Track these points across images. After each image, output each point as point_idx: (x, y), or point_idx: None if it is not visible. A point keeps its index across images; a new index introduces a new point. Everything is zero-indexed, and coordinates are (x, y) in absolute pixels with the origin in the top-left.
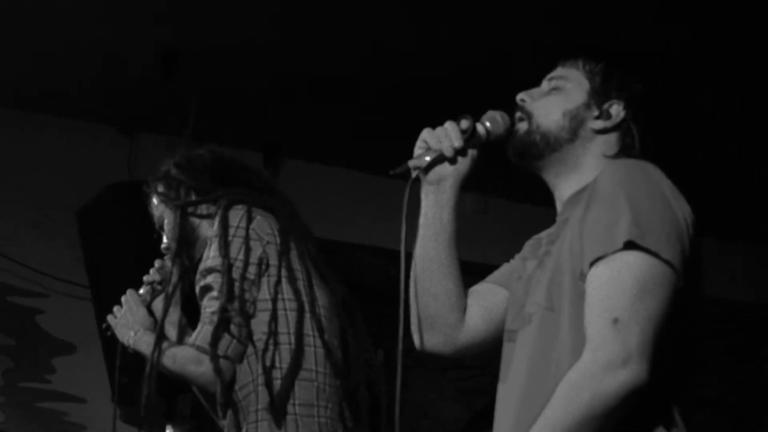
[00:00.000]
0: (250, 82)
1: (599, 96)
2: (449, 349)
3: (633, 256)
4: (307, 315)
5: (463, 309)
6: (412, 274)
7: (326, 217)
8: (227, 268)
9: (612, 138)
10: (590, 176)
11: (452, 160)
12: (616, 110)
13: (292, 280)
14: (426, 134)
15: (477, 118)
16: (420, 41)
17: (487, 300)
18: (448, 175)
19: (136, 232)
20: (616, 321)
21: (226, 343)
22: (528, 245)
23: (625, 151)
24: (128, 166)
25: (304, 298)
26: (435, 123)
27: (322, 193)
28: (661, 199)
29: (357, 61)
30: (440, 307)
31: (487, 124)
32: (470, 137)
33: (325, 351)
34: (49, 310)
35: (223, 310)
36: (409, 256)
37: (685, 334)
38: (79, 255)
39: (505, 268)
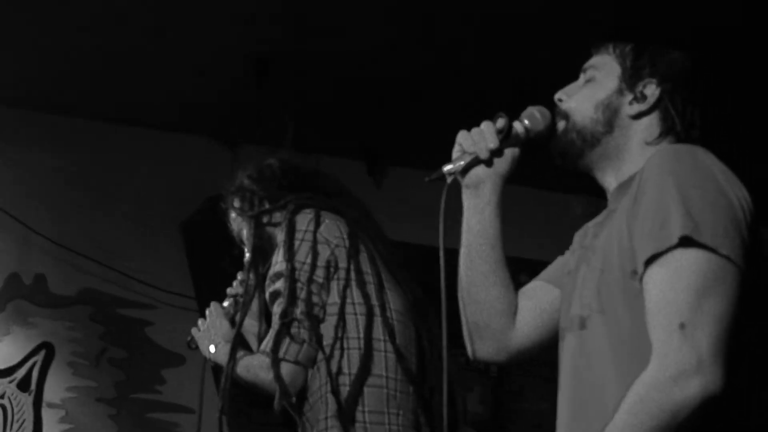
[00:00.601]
0: (348, 90)
1: (632, 78)
2: (503, 356)
3: (690, 254)
4: (378, 319)
5: (513, 314)
6: (459, 282)
7: (430, 224)
8: (290, 272)
9: (651, 121)
10: (635, 165)
11: (488, 162)
12: (651, 90)
13: (362, 284)
14: (461, 137)
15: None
16: (521, 41)
17: (538, 300)
18: (486, 177)
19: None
20: (682, 326)
21: (295, 349)
22: (577, 236)
23: (668, 133)
24: (231, 177)
25: (374, 302)
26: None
27: (426, 200)
28: (714, 186)
29: (458, 64)
30: (487, 315)
31: (526, 121)
32: (506, 137)
33: (396, 356)
34: (158, 322)
35: (284, 315)
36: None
37: (754, 333)
38: (185, 266)
39: (556, 263)
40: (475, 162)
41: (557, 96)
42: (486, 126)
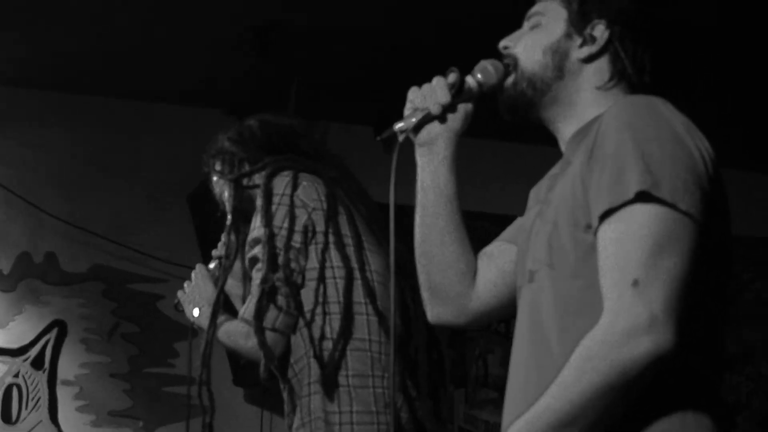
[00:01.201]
0: (354, 55)
1: (579, 22)
2: (463, 319)
3: (647, 209)
4: (357, 281)
5: (473, 275)
6: (415, 242)
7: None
8: (269, 238)
9: (602, 65)
10: (588, 112)
11: (441, 118)
12: (600, 30)
13: (340, 246)
14: (412, 93)
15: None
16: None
17: (499, 261)
18: (439, 134)
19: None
20: (636, 283)
21: (273, 316)
22: (532, 192)
23: (618, 76)
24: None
25: (353, 264)
26: None
27: None
28: (674, 139)
29: (468, 26)
30: (446, 277)
31: (479, 75)
32: (459, 92)
33: (378, 318)
34: (169, 295)
35: (264, 281)
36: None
37: (712, 288)
38: (194, 238)
39: (515, 223)
40: (428, 118)
41: (502, 44)
42: (437, 81)
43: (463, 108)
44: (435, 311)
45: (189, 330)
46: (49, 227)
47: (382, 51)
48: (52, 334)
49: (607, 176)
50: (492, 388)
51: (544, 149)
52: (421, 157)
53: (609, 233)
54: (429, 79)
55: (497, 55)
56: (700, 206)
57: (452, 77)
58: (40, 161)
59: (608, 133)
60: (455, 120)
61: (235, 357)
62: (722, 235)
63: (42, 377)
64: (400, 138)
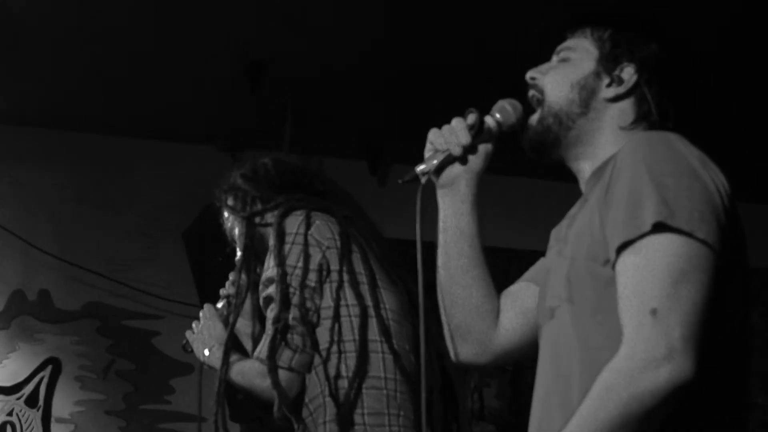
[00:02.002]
0: (348, 90)
1: (609, 62)
2: (486, 358)
3: (664, 239)
4: (372, 319)
5: (495, 315)
6: (438, 283)
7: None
8: (281, 277)
9: (627, 106)
10: (608, 151)
11: (462, 160)
12: (628, 74)
13: (354, 284)
14: (432, 135)
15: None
16: (523, 35)
17: (521, 300)
18: (461, 174)
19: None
20: (654, 312)
21: (289, 355)
22: (553, 233)
23: (642, 119)
24: (225, 177)
25: (368, 302)
26: None
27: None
28: (689, 173)
29: (459, 59)
30: (469, 316)
31: (497, 115)
32: (478, 132)
33: (393, 356)
34: (164, 332)
35: (277, 320)
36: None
37: (732, 318)
38: (188, 275)
39: (538, 264)
40: (449, 160)
41: (529, 74)
42: (457, 122)
43: (484, 148)
44: (458, 350)
45: (199, 370)
46: (43, 265)
47: (375, 86)
48: (47, 372)
49: (623, 210)
50: (489, 421)
51: (556, 184)
52: (442, 198)
53: (627, 264)
54: (423, 113)
55: (492, 92)
56: (717, 236)
57: (471, 118)
58: (33, 199)
59: (624, 168)
60: (476, 161)
61: (232, 392)
62: (739, 266)
63: (36, 415)
64: (423, 180)
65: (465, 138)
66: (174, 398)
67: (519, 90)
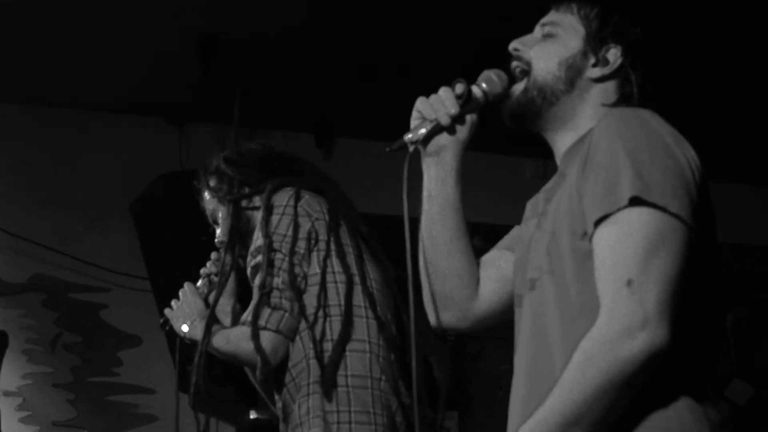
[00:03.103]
0: (294, 64)
1: (596, 42)
2: (465, 324)
3: (639, 213)
4: (357, 287)
5: (476, 282)
6: (420, 251)
7: (380, 194)
8: (268, 246)
9: (610, 86)
10: (587, 125)
11: (450, 129)
12: (614, 55)
13: (341, 254)
14: (420, 104)
15: (473, 80)
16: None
17: (498, 268)
18: (448, 144)
19: (190, 221)
20: (630, 282)
21: (277, 317)
22: (529, 204)
23: (623, 99)
24: (179, 156)
25: (354, 271)
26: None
27: (375, 170)
28: (663, 148)
29: (406, 35)
30: (452, 285)
31: (483, 85)
32: (466, 102)
33: (377, 322)
34: (112, 304)
35: (262, 286)
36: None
37: (703, 287)
38: (137, 247)
39: (513, 232)
40: (437, 129)
41: (512, 45)
42: (445, 92)
43: (470, 118)
44: (440, 317)
45: (177, 346)
46: None
47: (323, 60)
48: None
49: (600, 185)
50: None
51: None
52: (428, 168)
53: (604, 237)
54: (368, 86)
55: (440, 65)
56: (689, 210)
57: (460, 88)
58: None
59: (600, 143)
60: (463, 131)
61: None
62: (709, 240)
63: None
64: (410, 149)
65: (453, 107)
66: (122, 370)
67: (466, 65)
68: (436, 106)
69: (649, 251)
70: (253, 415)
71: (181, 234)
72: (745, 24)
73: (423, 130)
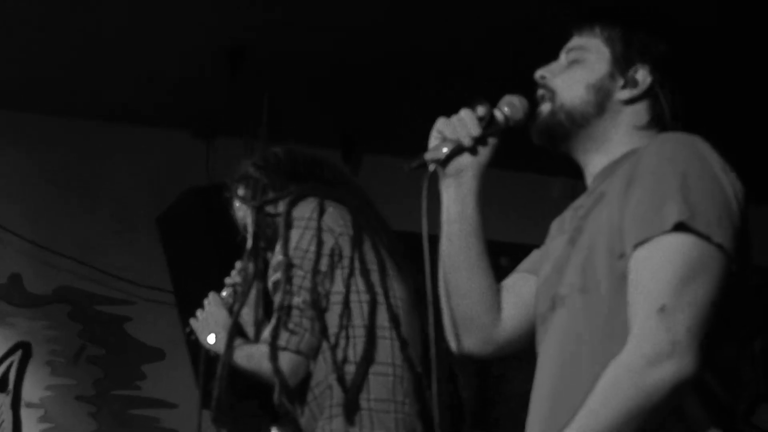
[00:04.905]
0: (322, 78)
1: (622, 63)
2: (488, 349)
3: (681, 239)
4: (382, 306)
5: (498, 306)
6: (440, 273)
7: (406, 210)
8: (287, 264)
9: (641, 107)
10: (620, 149)
11: (471, 150)
12: (642, 76)
13: (365, 272)
14: (441, 124)
15: (494, 104)
16: (494, 27)
17: (520, 292)
18: (468, 166)
19: (217, 235)
20: (662, 309)
21: (297, 338)
22: (555, 223)
23: (655, 120)
24: (207, 170)
25: (378, 290)
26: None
27: (402, 187)
28: (712, 178)
29: (431, 50)
30: (474, 308)
31: (506, 109)
32: (488, 125)
33: (401, 343)
34: (136, 318)
35: (280, 307)
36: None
37: (732, 318)
38: (162, 261)
39: (534, 255)
40: (459, 150)
41: (539, 73)
42: (467, 114)
43: (491, 141)
44: (462, 342)
45: (201, 359)
46: (14, 248)
47: (352, 75)
48: (16, 356)
49: (645, 207)
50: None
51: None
52: (447, 189)
53: (641, 259)
54: (398, 103)
55: (469, 83)
56: (732, 242)
57: (482, 110)
58: (5, 182)
59: (649, 165)
60: (483, 153)
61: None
62: (746, 269)
63: (6, 399)
64: (431, 168)
65: (476, 129)
66: (144, 384)
67: (496, 82)
68: (458, 127)
69: (686, 279)
70: (274, 431)
71: (208, 248)
72: None
73: (445, 149)
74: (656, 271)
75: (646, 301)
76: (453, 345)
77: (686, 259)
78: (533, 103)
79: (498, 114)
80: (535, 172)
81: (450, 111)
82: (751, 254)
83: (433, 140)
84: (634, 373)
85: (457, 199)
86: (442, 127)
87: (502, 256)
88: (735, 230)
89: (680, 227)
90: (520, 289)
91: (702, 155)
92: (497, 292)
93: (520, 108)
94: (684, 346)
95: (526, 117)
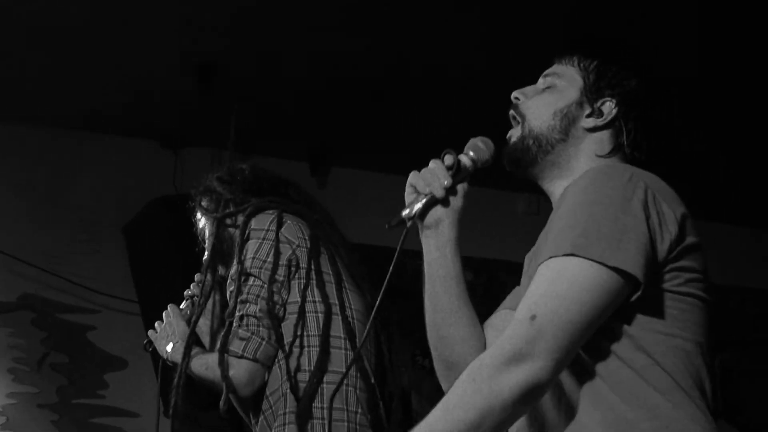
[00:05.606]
0: (290, 91)
1: (592, 94)
2: None
3: (573, 261)
4: (337, 317)
5: (482, 346)
6: (426, 320)
7: (372, 223)
8: (239, 273)
9: (604, 136)
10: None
11: (444, 201)
12: (608, 108)
13: (321, 284)
14: (413, 178)
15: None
16: (459, 43)
17: (500, 330)
18: (444, 215)
19: (182, 246)
20: (533, 317)
21: (254, 345)
22: (527, 258)
23: (618, 149)
24: (174, 180)
25: (333, 301)
26: (484, 131)
27: (369, 200)
28: (621, 205)
29: (404, 66)
30: (460, 351)
31: (471, 153)
32: (457, 172)
33: (355, 355)
34: (100, 326)
35: (230, 315)
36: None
37: (680, 330)
38: (127, 270)
39: (514, 291)
40: (432, 202)
41: (514, 94)
42: (436, 164)
43: (462, 187)
44: (450, 383)
45: (158, 368)
46: None
47: (320, 88)
48: None
49: (554, 234)
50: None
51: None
52: (427, 240)
53: (536, 275)
54: (366, 118)
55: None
56: (638, 266)
57: (449, 159)
58: None
59: (568, 196)
60: (456, 201)
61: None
62: (685, 294)
63: None
64: (408, 224)
65: (446, 179)
66: (108, 393)
67: (466, 97)
68: (429, 179)
69: (567, 296)
70: None
71: (172, 258)
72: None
73: (419, 205)
74: (540, 284)
75: (523, 309)
76: (444, 387)
77: (571, 279)
78: (500, 143)
79: (465, 160)
80: (500, 188)
81: (418, 125)
82: (697, 277)
83: (407, 195)
84: (489, 372)
85: (436, 249)
86: (414, 181)
87: (467, 270)
88: (644, 255)
89: (573, 255)
90: (503, 327)
91: (618, 183)
92: (481, 335)
93: (486, 149)
94: (542, 350)
95: (492, 157)
